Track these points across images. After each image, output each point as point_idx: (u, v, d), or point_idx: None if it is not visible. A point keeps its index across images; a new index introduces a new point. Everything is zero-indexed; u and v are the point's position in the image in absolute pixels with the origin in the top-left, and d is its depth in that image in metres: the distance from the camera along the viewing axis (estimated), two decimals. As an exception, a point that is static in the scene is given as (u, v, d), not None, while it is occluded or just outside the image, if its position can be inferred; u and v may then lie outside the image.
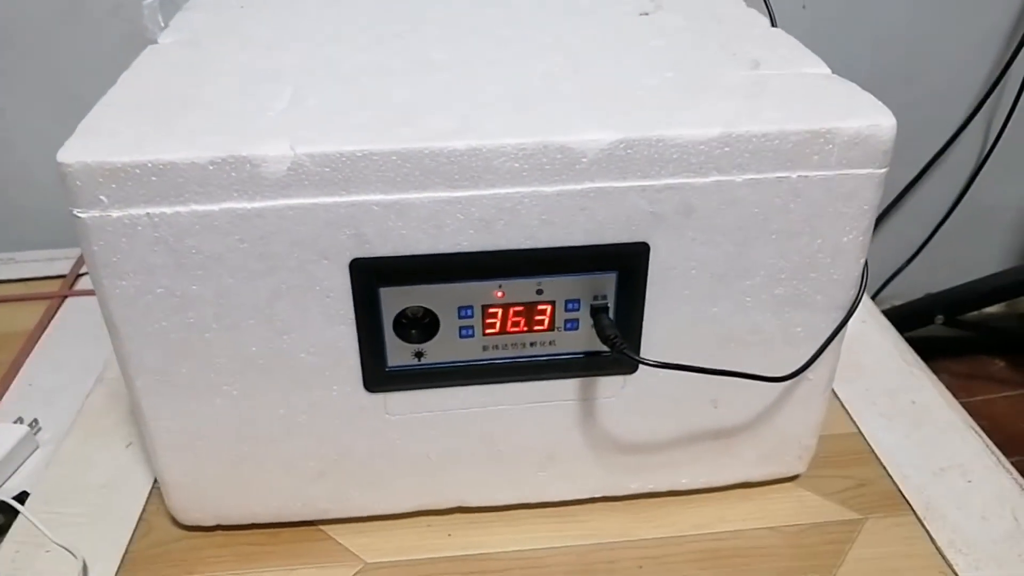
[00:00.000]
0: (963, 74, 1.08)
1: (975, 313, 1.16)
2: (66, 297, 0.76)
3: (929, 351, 0.71)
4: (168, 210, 0.39)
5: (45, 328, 0.72)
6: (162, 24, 0.72)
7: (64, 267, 0.81)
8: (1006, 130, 1.10)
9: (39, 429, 0.59)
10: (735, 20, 0.55)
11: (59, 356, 0.69)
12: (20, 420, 0.59)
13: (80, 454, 0.56)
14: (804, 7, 0.97)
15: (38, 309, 0.75)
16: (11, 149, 0.90)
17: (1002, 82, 1.08)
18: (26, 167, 0.91)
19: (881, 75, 1.05)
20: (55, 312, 0.74)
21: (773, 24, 0.54)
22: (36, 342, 0.70)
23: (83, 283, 0.79)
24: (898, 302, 1.16)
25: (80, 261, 0.82)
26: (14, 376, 0.66)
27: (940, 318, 1.06)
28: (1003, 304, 1.23)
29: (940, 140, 1.12)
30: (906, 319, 1.08)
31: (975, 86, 1.09)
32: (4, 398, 0.64)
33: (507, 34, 0.52)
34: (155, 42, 0.52)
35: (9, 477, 0.56)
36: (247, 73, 0.46)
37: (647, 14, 0.56)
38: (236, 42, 0.51)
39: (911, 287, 1.18)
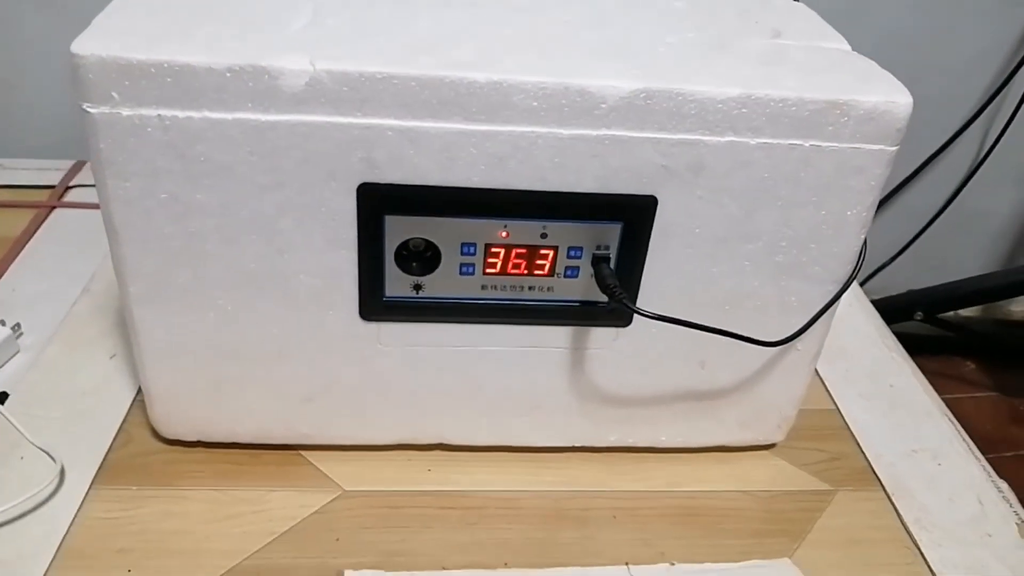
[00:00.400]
0: (965, 81, 1.09)
1: (952, 314, 1.18)
2: (54, 208, 0.75)
3: (905, 346, 0.72)
4: (180, 114, 0.38)
5: (31, 236, 0.71)
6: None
7: (54, 178, 0.80)
8: (1002, 139, 1.12)
9: (21, 333, 0.59)
10: (759, -12, 0.54)
11: (44, 265, 0.68)
12: (3, 323, 0.59)
13: (63, 361, 0.56)
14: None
15: (24, 217, 0.74)
16: (5, 54, 0.88)
17: (1003, 92, 1.09)
18: (19, 73, 0.89)
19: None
20: (42, 222, 0.73)
21: (796, -3, 0.54)
22: (21, 249, 0.69)
23: (72, 195, 0.78)
24: (881, 295, 1.18)
25: (71, 173, 0.81)
26: (-3, 280, 0.66)
27: (919, 314, 1.08)
28: (980, 307, 1.25)
29: (936, 143, 1.13)
30: (887, 312, 1.10)
31: (976, 93, 1.11)
32: (-14, 301, 0.63)
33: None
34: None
35: (-11, 377, 0.56)
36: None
37: (672, -26, 0.56)
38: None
39: (895, 282, 1.19)
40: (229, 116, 0.38)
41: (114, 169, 0.39)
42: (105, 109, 0.38)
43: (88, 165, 0.81)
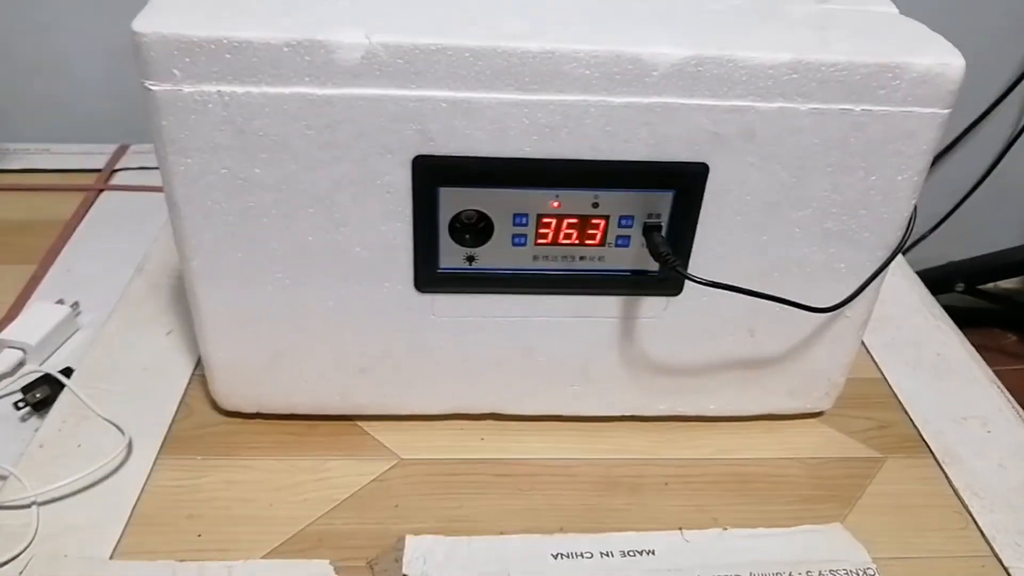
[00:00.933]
0: (1004, 47, 1.07)
1: (992, 286, 1.16)
2: (102, 191, 0.77)
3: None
4: (239, 89, 0.39)
5: (82, 219, 0.73)
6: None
7: (99, 161, 0.81)
8: (1045, 105, 1.10)
9: (79, 312, 0.61)
10: (804, -46, 0.54)
11: (96, 246, 0.69)
12: (61, 301, 0.60)
13: (122, 338, 0.57)
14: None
15: (74, 200, 0.75)
16: (49, 39, 0.89)
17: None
18: (63, 58, 0.90)
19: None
20: (91, 204, 0.75)
21: (842, -38, 0.54)
22: (73, 231, 0.71)
23: (118, 178, 0.79)
24: (921, 267, 1.16)
25: (115, 157, 0.82)
26: (52, 261, 0.67)
27: (961, 286, 1.07)
28: (1021, 279, 1.24)
29: (974, 113, 1.11)
30: (927, 284, 1.09)
31: (1016, 60, 1.08)
32: (44, 281, 0.65)
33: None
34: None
35: (51, 354, 0.57)
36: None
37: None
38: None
39: (935, 254, 1.18)
40: (286, 90, 0.39)
41: (176, 146, 0.40)
42: (167, 86, 0.39)
43: (131, 149, 0.83)
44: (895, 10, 0.47)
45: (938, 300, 0.96)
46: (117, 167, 0.80)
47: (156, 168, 0.78)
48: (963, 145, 1.15)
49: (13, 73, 0.90)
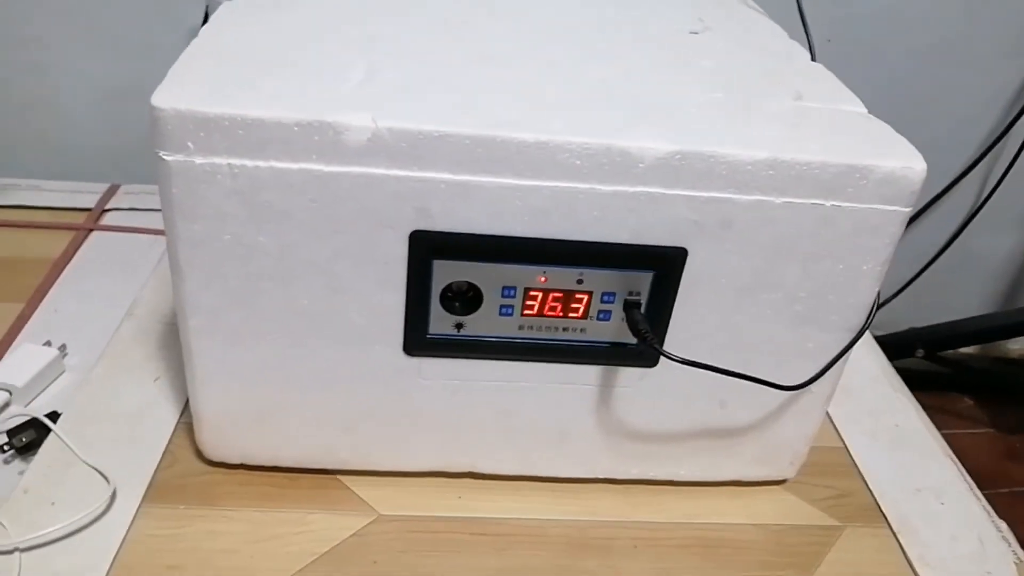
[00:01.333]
0: (967, 127, 1.13)
1: (952, 351, 1.21)
2: (92, 230, 0.78)
3: (905, 382, 0.75)
4: (249, 163, 0.41)
5: (70, 259, 0.74)
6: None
7: (90, 200, 0.83)
8: (1002, 184, 1.16)
9: (67, 354, 0.62)
10: (778, 51, 0.58)
11: (84, 287, 0.70)
12: (49, 343, 0.61)
13: (109, 383, 0.58)
14: (829, 41, 1.01)
15: (63, 239, 0.76)
16: (43, 77, 0.91)
17: (1004, 139, 1.13)
18: (56, 97, 0.92)
19: (891, 116, 1.09)
20: (80, 244, 0.76)
21: (813, 58, 0.57)
22: (62, 271, 0.72)
23: (109, 218, 0.81)
24: (883, 332, 1.21)
25: (106, 196, 0.83)
26: (40, 300, 0.68)
27: (920, 352, 1.11)
28: (979, 346, 1.28)
29: (938, 186, 1.17)
30: (889, 349, 1.13)
31: (977, 139, 1.14)
32: (31, 320, 0.66)
33: (562, 35, 0.55)
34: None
35: (37, 395, 0.58)
36: (321, 41, 0.48)
37: (696, 33, 0.59)
38: (305, 8, 0.53)
39: (897, 319, 1.23)
40: (294, 166, 0.41)
41: (184, 212, 0.42)
42: (180, 157, 0.41)
43: (121, 189, 0.84)
44: (864, 109, 0.51)
45: (899, 364, 1.00)
46: (108, 207, 0.81)
47: (146, 210, 0.80)
48: (926, 216, 1.20)
49: (6, 110, 0.91)
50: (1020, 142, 1.12)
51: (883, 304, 1.22)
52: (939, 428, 0.66)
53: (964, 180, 1.16)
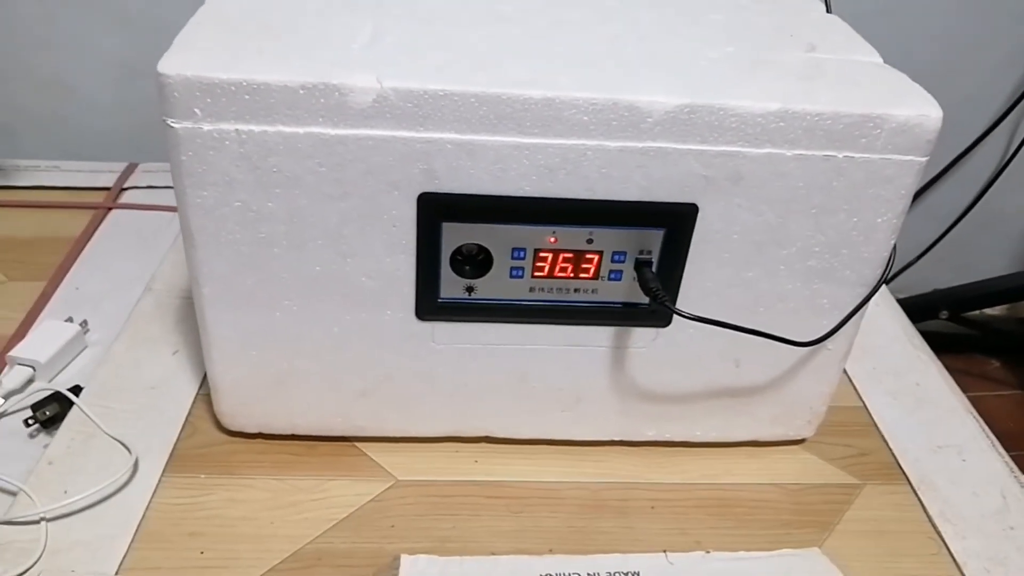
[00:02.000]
0: (992, 84, 1.11)
1: (977, 313, 1.19)
2: (111, 209, 0.79)
3: (930, 344, 0.74)
4: (256, 128, 0.41)
5: (90, 237, 0.75)
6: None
7: (108, 180, 0.83)
8: (1028, 141, 1.13)
9: (88, 330, 0.62)
10: (792, 3, 0.57)
11: (104, 264, 0.71)
12: (71, 319, 0.62)
13: (129, 356, 0.59)
14: (848, -3, 0.99)
15: (83, 218, 0.77)
16: (59, 57, 0.91)
17: (1030, 93, 1.10)
18: (72, 76, 0.92)
19: (913, 73, 1.07)
20: (100, 222, 0.77)
21: (828, 10, 0.56)
22: (82, 249, 0.73)
23: (127, 196, 0.81)
24: (906, 295, 1.19)
25: (124, 175, 0.84)
26: (61, 279, 0.69)
27: (945, 313, 1.10)
28: (1005, 307, 1.26)
29: (962, 144, 1.15)
30: (912, 311, 1.11)
31: (1002, 96, 1.12)
32: (53, 298, 0.67)
33: (573, -6, 0.54)
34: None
35: (60, 371, 0.59)
36: (327, 4, 0.48)
37: (708, -13, 0.58)
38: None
39: (920, 281, 1.21)
40: (301, 130, 0.41)
41: (193, 179, 0.43)
42: (188, 124, 0.41)
43: (139, 167, 0.85)
44: (879, 59, 0.50)
45: (923, 327, 0.98)
46: (126, 185, 0.82)
47: (164, 187, 0.81)
48: (950, 176, 1.18)
49: (24, 91, 0.92)
50: (1046, 98, 1.09)
51: (907, 266, 1.21)
52: (967, 391, 0.65)
53: (988, 138, 1.14)
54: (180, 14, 0.91)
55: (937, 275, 1.20)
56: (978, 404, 0.63)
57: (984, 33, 1.06)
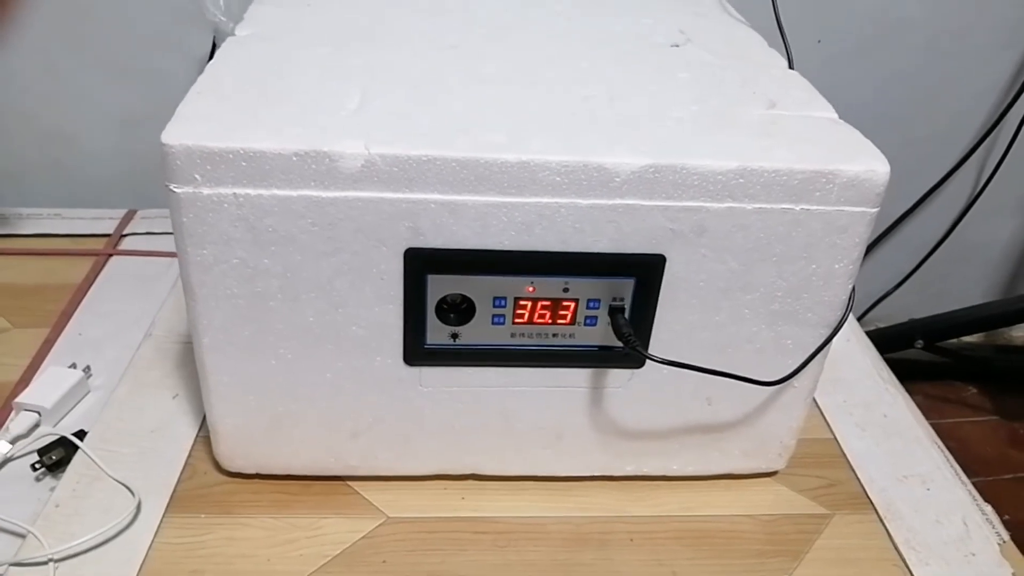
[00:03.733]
0: (962, 119, 1.15)
1: (954, 341, 1.22)
2: (111, 255, 0.82)
3: (908, 373, 0.77)
4: (252, 192, 0.44)
5: (92, 283, 0.78)
6: (222, 6, 0.78)
7: (108, 226, 0.86)
8: (998, 172, 1.17)
9: (91, 375, 0.65)
10: (756, 59, 0.60)
11: (106, 310, 0.74)
12: (74, 365, 0.65)
13: (131, 401, 0.62)
14: (819, 41, 1.03)
15: (84, 265, 0.80)
16: (60, 107, 0.95)
17: (997, 129, 1.14)
18: (73, 126, 0.96)
19: (886, 111, 1.12)
20: (101, 268, 0.80)
21: (791, 66, 0.60)
22: (84, 295, 0.76)
23: (127, 243, 0.84)
24: (883, 324, 1.23)
25: (124, 221, 0.87)
26: (64, 325, 0.72)
27: (920, 342, 1.13)
28: (980, 335, 1.30)
29: (935, 176, 1.19)
30: (889, 341, 1.15)
31: (972, 130, 1.16)
32: (56, 344, 0.69)
33: (549, 54, 0.58)
34: (231, 32, 0.58)
35: (64, 416, 0.62)
36: (319, 70, 0.52)
37: (677, 46, 0.62)
38: (306, 39, 0.56)
39: (896, 311, 1.24)
40: (294, 193, 0.44)
41: (194, 239, 0.46)
42: (189, 189, 0.44)
43: (138, 214, 0.88)
44: (835, 115, 0.53)
45: (900, 356, 1.01)
46: (126, 232, 0.85)
47: (162, 233, 0.83)
48: (925, 207, 1.22)
49: (27, 141, 0.95)
50: (1014, 131, 1.14)
51: (884, 296, 1.25)
52: (943, 417, 0.68)
53: (960, 170, 1.18)
54: (175, 66, 0.96)
55: (914, 304, 1.24)
56: (955, 430, 0.66)
57: (954, 70, 1.10)
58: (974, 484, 0.60)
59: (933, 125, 1.14)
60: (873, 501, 0.58)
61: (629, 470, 0.57)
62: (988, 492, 0.60)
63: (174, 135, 0.43)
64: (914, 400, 0.69)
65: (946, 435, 0.66)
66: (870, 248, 1.23)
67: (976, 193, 1.21)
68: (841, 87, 0.58)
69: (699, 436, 0.56)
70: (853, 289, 0.52)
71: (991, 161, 1.18)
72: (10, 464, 0.57)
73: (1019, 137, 1.14)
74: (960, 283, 1.27)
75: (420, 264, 0.47)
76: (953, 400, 1.18)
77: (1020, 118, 1.13)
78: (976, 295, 1.28)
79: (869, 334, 0.77)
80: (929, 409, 0.70)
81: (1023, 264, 1.28)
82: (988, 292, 1.29)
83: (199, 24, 0.87)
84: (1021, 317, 1.14)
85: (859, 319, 0.85)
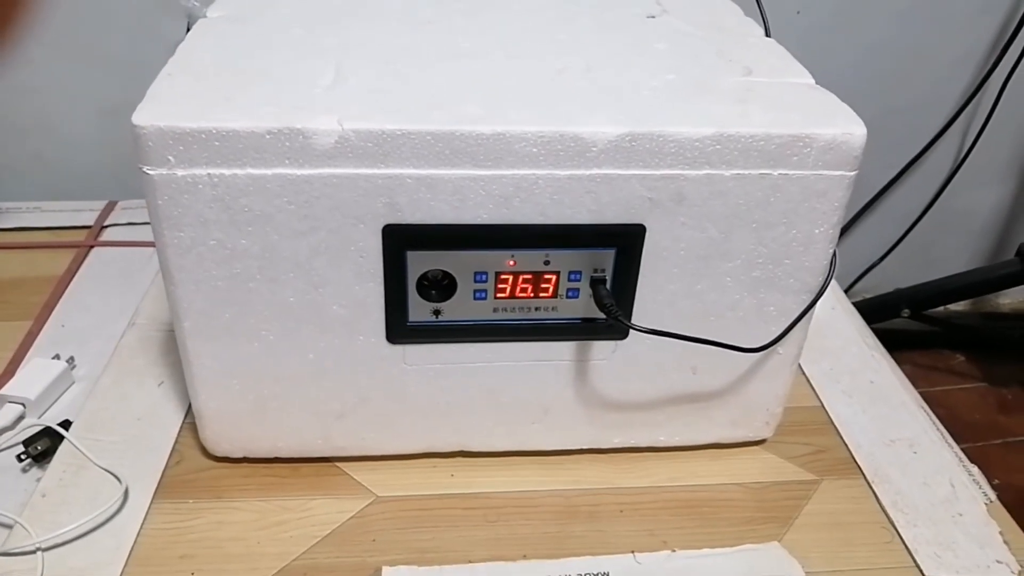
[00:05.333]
0: (943, 86, 1.15)
1: (941, 309, 1.23)
2: (92, 247, 0.81)
3: (896, 342, 0.77)
4: (227, 172, 0.44)
5: (74, 275, 0.77)
6: (195, -7, 0.77)
7: (89, 218, 0.86)
8: (979, 140, 1.17)
9: (75, 366, 0.65)
10: (732, 28, 0.60)
11: (88, 301, 0.74)
12: (57, 356, 0.64)
13: (116, 390, 0.61)
14: (798, 12, 1.03)
15: (65, 257, 0.80)
16: (37, 99, 0.94)
17: (978, 96, 1.15)
18: (50, 118, 0.95)
19: (866, 81, 1.11)
20: (82, 260, 0.79)
21: (767, 34, 0.60)
22: (66, 287, 0.75)
23: (108, 234, 0.84)
24: (869, 295, 1.23)
25: (104, 213, 0.87)
26: (47, 317, 0.71)
27: (906, 311, 1.13)
28: (968, 302, 1.30)
29: (918, 146, 1.19)
30: (876, 311, 1.16)
31: (953, 98, 1.16)
32: (39, 336, 0.69)
33: (526, 27, 0.57)
34: (203, 16, 0.57)
35: (49, 407, 0.61)
36: (293, 49, 0.51)
37: (653, 17, 0.61)
38: (279, 19, 0.56)
39: (883, 281, 1.25)
40: (269, 172, 0.44)
41: (170, 222, 0.45)
42: (163, 171, 0.44)
43: (119, 205, 0.87)
44: (811, 80, 0.53)
45: (887, 325, 1.01)
46: (106, 223, 0.85)
47: (143, 224, 0.83)
48: (909, 176, 1.22)
49: (5, 134, 0.94)
50: (994, 97, 1.14)
51: (871, 267, 1.25)
52: (933, 385, 0.68)
53: (942, 138, 1.18)
54: (151, 54, 0.94)
55: (900, 274, 1.24)
56: (945, 398, 0.67)
57: (933, 37, 1.10)
58: (964, 450, 0.60)
59: (914, 93, 1.14)
60: (861, 466, 0.58)
61: (617, 442, 0.58)
62: (979, 457, 0.60)
63: (146, 116, 0.43)
64: (903, 369, 0.69)
65: (935, 402, 0.66)
66: (854, 219, 1.23)
67: (959, 161, 1.21)
68: (821, 57, 0.58)
69: (686, 406, 0.56)
70: (835, 254, 0.52)
71: (973, 128, 1.18)
72: (-4, 456, 0.57)
73: (1000, 103, 1.14)
74: (945, 251, 1.28)
75: (399, 241, 0.47)
76: (942, 368, 1.18)
77: (1000, 84, 1.13)
78: (961, 263, 1.28)
79: (856, 305, 0.77)
80: (918, 377, 0.70)
81: (1007, 231, 1.29)
82: (973, 259, 1.30)
83: (174, 11, 0.85)
84: (1006, 283, 1.14)
85: (846, 291, 0.86)
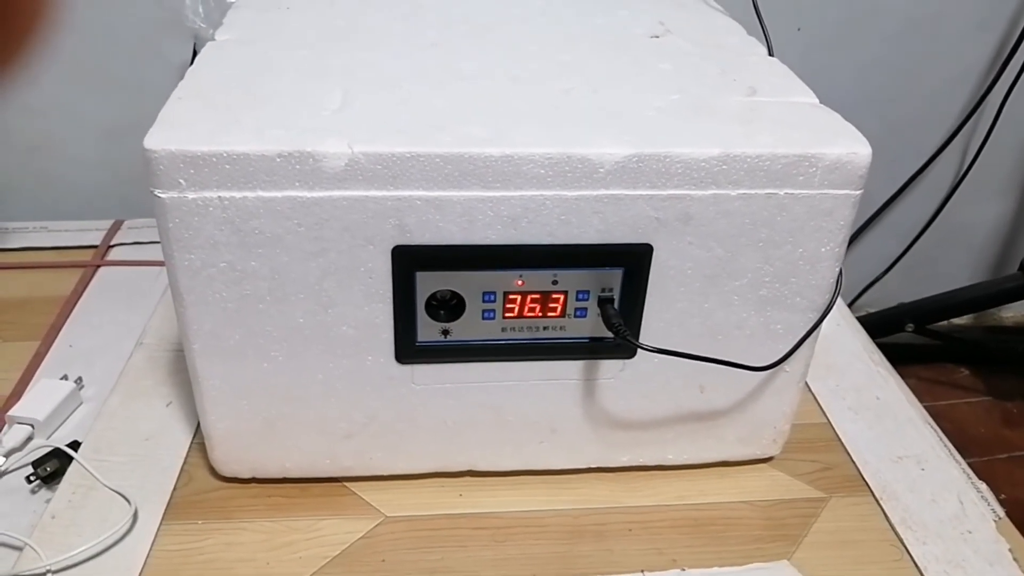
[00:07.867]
0: (943, 102, 1.16)
1: (944, 323, 1.23)
2: (99, 266, 0.81)
3: (900, 357, 0.77)
4: (237, 194, 0.44)
5: (81, 295, 0.77)
6: (201, 13, 0.78)
7: (95, 238, 0.86)
8: (980, 155, 1.18)
9: (83, 386, 0.65)
10: (736, 48, 0.61)
11: (95, 321, 0.74)
12: (65, 377, 0.65)
13: (124, 410, 0.61)
14: (799, 30, 1.04)
15: (72, 277, 0.80)
16: (43, 120, 0.94)
17: (978, 111, 1.15)
18: (56, 138, 0.95)
19: (867, 97, 1.12)
20: (89, 280, 0.80)
21: (770, 53, 0.60)
22: (73, 307, 0.76)
23: (115, 253, 0.84)
24: (873, 309, 1.23)
25: (110, 232, 0.87)
26: (55, 337, 0.72)
27: (910, 326, 1.13)
28: (971, 316, 1.30)
29: (919, 161, 1.19)
30: (879, 326, 1.16)
31: (953, 113, 1.17)
32: (47, 357, 0.69)
33: (530, 49, 0.58)
34: (210, 38, 0.58)
35: (58, 427, 0.62)
36: (300, 72, 0.52)
37: (657, 37, 0.62)
38: (285, 42, 0.56)
39: (886, 296, 1.25)
40: (279, 195, 0.44)
41: (180, 244, 0.46)
42: (174, 194, 0.44)
43: (125, 224, 0.88)
44: (815, 99, 0.53)
45: (891, 340, 1.01)
46: (113, 243, 0.85)
47: (149, 243, 0.83)
48: (910, 192, 1.22)
49: (11, 154, 0.95)
50: (995, 112, 1.14)
51: (873, 282, 1.25)
52: (937, 399, 0.68)
53: (943, 154, 1.18)
54: (156, 74, 0.95)
55: (903, 289, 1.24)
56: (949, 412, 0.67)
57: (933, 54, 1.11)
58: (970, 464, 0.60)
59: (915, 109, 1.15)
60: (868, 483, 0.58)
61: (624, 461, 0.58)
62: (984, 472, 0.60)
63: (157, 140, 0.43)
64: (907, 383, 0.69)
65: (940, 417, 0.66)
66: (857, 235, 1.23)
67: (960, 176, 1.21)
68: (822, 74, 0.59)
69: (693, 424, 0.56)
70: (840, 272, 0.52)
71: (974, 143, 1.19)
72: (5, 477, 0.57)
73: (1000, 118, 1.15)
74: (948, 266, 1.28)
75: (408, 261, 0.47)
76: (946, 382, 1.18)
77: (1000, 99, 1.14)
78: (964, 277, 1.29)
79: (860, 320, 0.78)
80: (923, 392, 0.71)
81: (1009, 245, 1.29)
82: (975, 274, 1.30)
83: (179, 32, 0.86)
84: (1010, 297, 1.15)
85: (849, 305, 0.86)
